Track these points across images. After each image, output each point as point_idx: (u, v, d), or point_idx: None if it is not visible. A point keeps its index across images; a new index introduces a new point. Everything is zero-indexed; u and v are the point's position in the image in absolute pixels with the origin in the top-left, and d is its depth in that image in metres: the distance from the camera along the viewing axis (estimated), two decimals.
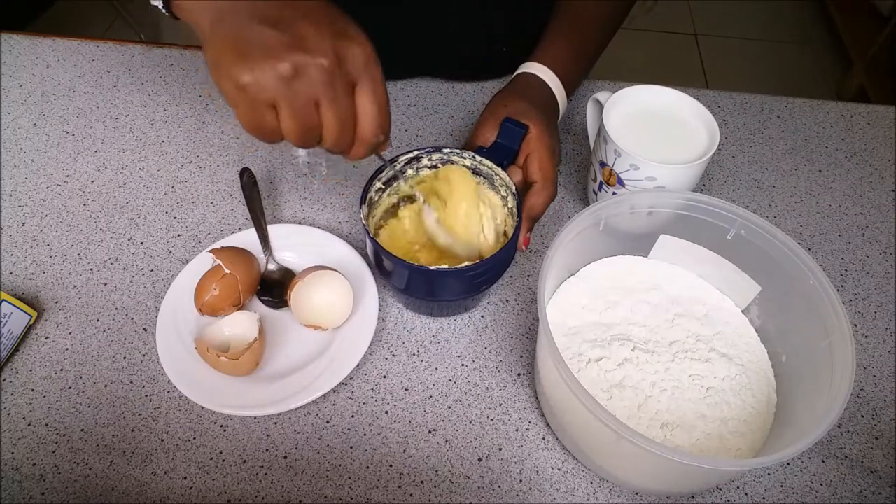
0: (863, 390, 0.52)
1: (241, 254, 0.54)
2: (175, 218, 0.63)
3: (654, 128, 0.56)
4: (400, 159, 0.52)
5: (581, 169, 0.67)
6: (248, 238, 0.58)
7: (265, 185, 0.65)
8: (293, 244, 0.59)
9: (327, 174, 0.66)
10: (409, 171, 0.54)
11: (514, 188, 0.50)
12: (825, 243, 0.62)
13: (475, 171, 0.53)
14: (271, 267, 0.57)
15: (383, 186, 0.53)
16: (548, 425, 0.50)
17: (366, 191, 0.50)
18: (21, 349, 0.53)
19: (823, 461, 0.49)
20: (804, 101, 0.75)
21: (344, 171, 0.66)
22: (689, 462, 0.36)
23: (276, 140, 0.39)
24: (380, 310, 0.54)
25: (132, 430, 0.49)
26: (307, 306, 0.52)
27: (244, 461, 0.48)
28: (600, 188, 0.58)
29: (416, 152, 0.53)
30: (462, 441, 0.49)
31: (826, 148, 0.70)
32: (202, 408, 0.50)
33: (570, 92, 0.61)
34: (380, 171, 0.52)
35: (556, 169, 0.53)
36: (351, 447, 0.49)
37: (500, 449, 0.49)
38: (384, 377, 0.52)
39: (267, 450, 0.49)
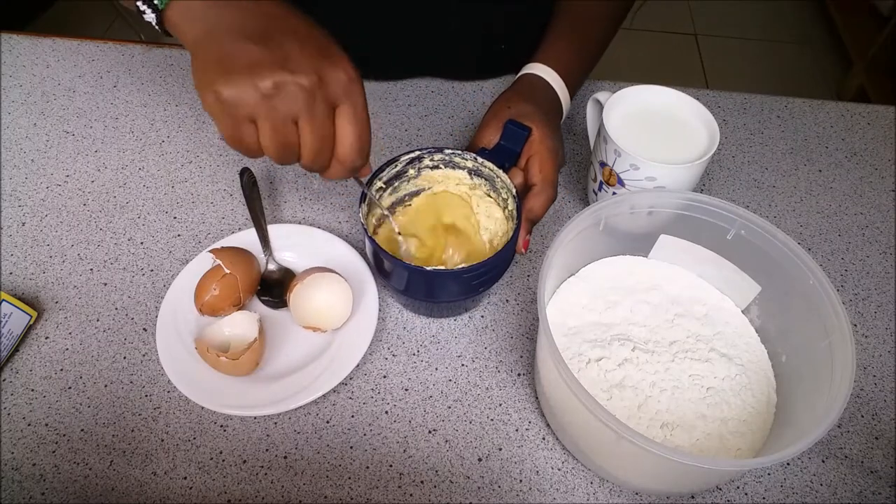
0: (863, 390, 0.52)
1: (241, 254, 0.54)
2: (175, 218, 0.63)
3: (654, 128, 0.56)
4: (401, 159, 0.52)
5: (581, 169, 0.67)
6: (248, 238, 0.58)
7: (265, 185, 0.65)
8: (293, 244, 0.59)
9: None
10: (411, 171, 0.54)
11: (514, 191, 0.50)
12: (825, 243, 0.62)
13: (476, 173, 0.53)
14: (271, 267, 0.57)
15: (384, 186, 0.53)
16: (548, 425, 0.50)
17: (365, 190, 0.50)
18: (21, 349, 0.53)
19: (823, 461, 0.49)
20: (804, 101, 0.75)
21: None
22: (689, 462, 0.36)
23: (256, 155, 0.40)
24: (380, 310, 0.54)
25: (132, 430, 0.49)
26: (306, 308, 0.52)
27: (244, 461, 0.48)
28: (600, 188, 0.58)
29: (417, 152, 0.53)
30: (462, 441, 0.49)
31: (826, 148, 0.70)
32: (202, 408, 0.50)
33: (573, 92, 0.61)
34: (380, 170, 0.52)
35: (557, 172, 0.53)
36: (351, 447, 0.49)
37: (500, 449, 0.49)
38: (384, 377, 0.52)
39: (267, 450, 0.49)
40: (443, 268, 0.46)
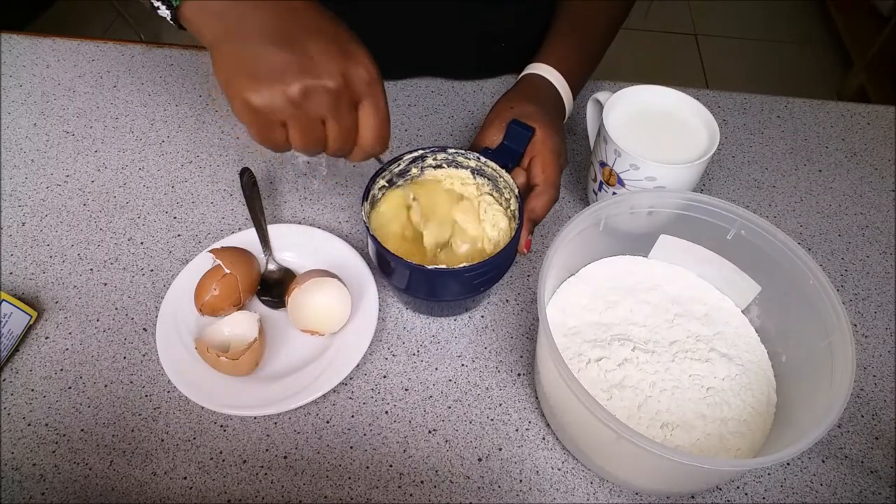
0: (863, 390, 0.52)
1: (241, 254, 0.54)
2: (175, 218, 0.63)
3: (654, 128, 0.56)
4: (404, 158, 0.52)
5: (581, 169, 0.67)
6: (248, 238, 0.58)
7: (265, 185, 0.65)
8: (293, 244, 0.58)
9: (327, 174, 0.66)
10: (414, 171, 0.54)
11: (517, 191, 0.50)
12: (825, 243, 0.62)
13: (479, 173, 0.54)
14: (271, 267, 0.57)
15: (387, 185, 0.53)
16: (548, 425, 0.50)
17: (368, 188, 0.51)
18: (21, 349, 0.53)
19: (823, 461, 0.49)
20: (804, 101, 0.75)
21: (344, 172, 0.66)
22: (689, 462, 0.36)
23: (285, 150, 0.42)
24: (380, 310, 0.54)
25: (132, 430, 0.49)
26: (304, 313, 0.52)
27: (244, 461, 0.48)
28: (600, 188, 0.58)
29: (420, 151, 0.53)
30: (462, 441, 0.49)
31: (826, 148, 0.70)
32: (202, 408, 0.50)
33: (575, 92, 0.61)
34: (383, 169, 0.52)
35: (559, 173, 0.54)
36: (351, 447, 0.49)
37: (500, 449, 0.49)
38: (384, 377, 0.52)
39: (267, 450, 0.49)
40: (444, 266, 0.46)
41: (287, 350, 0.53)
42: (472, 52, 0.73)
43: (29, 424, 0.49)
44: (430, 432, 0.50)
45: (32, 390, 0.51)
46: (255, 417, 0.50)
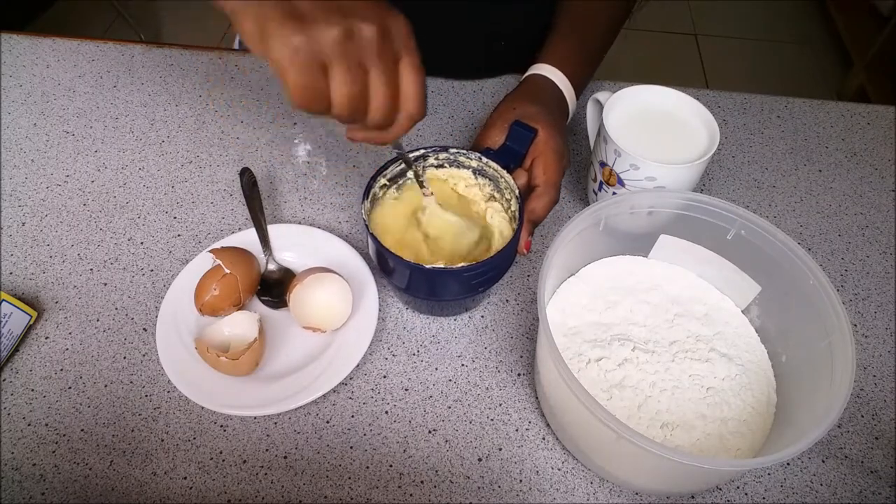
0: (863, 390, 0.52)
1: (241, 254, 0.54)
2: (175, 218, 0.63)
3: (654, 128, 0.56)
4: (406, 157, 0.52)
5: (581, 169, 0.67)
6: (248, 238, 0.58)
7: (265, 185, 0.65)
8: (293, 244, 0.58)
9: (327, 174, 0.66)
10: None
11: (517, 192, 0.50)
12: (825, 243, 0.62)
13: (481, 173, 0.54)
14: (271, 267, 0.57)
15: (388, 183, 0.53)
16: (548, 425, 0.50)
17: (369, 186, 0.50)
18: (21, 349, 0.53)
19: (823, 461, 0.49)
20: (804, 101, 0.75)
21: (344, 172, 0.66)
22: (689, 462, 0.36)
23: (324, 109, 0.38)
24: (380, 310, 0.54)
25: (132, 430, 0.49)
26: (306, 309, 0.52)
27: (244, 461, 0.48)
28: (600, 188, 0.58)
29: (422, 151, 0.53)
30: (462, 441, 0.49)
31: (826, 148, 0.70)
32: (202, 408, 0.50)
33: (578, 93, 0.61)
34: (385, 168, 0.52)
35: (561, 174, 0.53)
36: (351, 447, 0.49)
37: (500, 449, 0.49)
38: (384, 377, 0.52)
39: (267, 450, 0.49)
40: (444, 266, 0.46)
41: (287, 350, 0.53)
42: (480, 52, 0.73)
43: (29, 424, 0.49)
44: (430, 432, 0.50)
45: (32, 390, 0.51)
46: (255, 417, 0.50)
